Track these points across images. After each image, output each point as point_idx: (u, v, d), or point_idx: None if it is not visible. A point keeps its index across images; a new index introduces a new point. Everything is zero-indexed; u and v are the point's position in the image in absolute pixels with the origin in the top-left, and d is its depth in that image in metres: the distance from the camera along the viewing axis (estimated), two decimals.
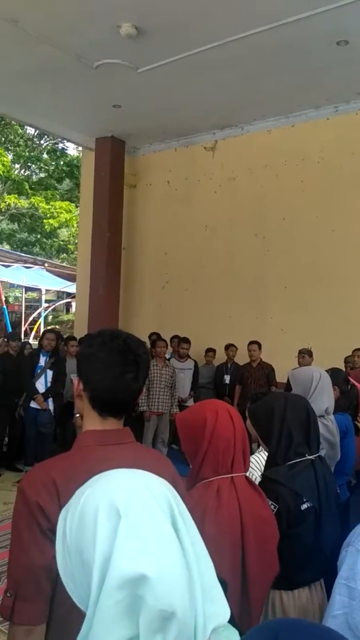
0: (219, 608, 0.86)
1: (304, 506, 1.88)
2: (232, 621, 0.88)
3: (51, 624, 1.18)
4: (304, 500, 1.88)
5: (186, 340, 7.47)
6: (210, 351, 7.93)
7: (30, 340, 12.79)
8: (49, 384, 6.28)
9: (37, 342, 7.90)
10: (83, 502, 0.83)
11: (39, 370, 6.28)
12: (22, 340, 7.63)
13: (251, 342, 7.02)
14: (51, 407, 6.26)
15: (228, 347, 7.60)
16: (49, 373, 6.31)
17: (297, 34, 5.29)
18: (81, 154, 11.76)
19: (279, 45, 5.54)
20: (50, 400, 6.24)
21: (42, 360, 6.35)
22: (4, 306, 15.21)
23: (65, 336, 8.06)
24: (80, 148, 12.20)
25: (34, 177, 22.75)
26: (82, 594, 0.80)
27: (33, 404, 6.18)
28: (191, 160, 8.57)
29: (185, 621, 0.75)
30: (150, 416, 6.53)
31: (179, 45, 5.69)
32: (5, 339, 6.97)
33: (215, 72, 6.19)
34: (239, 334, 7.48)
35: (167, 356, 7.16)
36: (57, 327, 18.54)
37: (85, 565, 0.79)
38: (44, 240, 24.10)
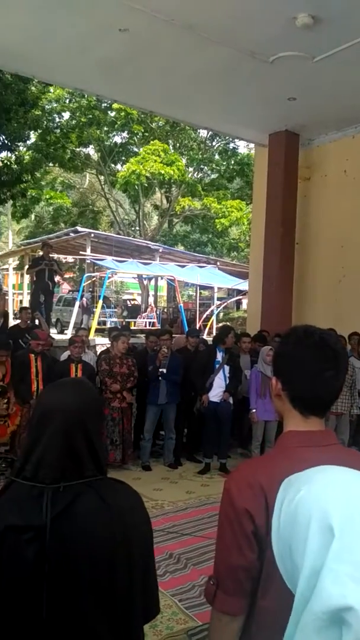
0: None
1: None
2: None
3: (253, 617, 1.19)
4: None
5: None
6: None
7: (204, 337, 13.23)
8: (227, 380, 6.43)
9: (211, 339, 8.13)
10: (298, 501, 0.82)
11: (217, 366, 6.46)
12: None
13: None
14: (230, 400, 6.40)
15: None
16: (226, 368, 6.45)
17: None
18: (253, 151, 11.79)
19: None
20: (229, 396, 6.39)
21: (219, 356, 6.52)
22: (180, 304, 15.95)
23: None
24: (252, 145, 12.25)
25: (206, 178, 23.46)
26: (288, 577, 0.81)
27: (212, 398, 6.39)
28: None
29: None
30: (328, 416, 6.31)
31: (356, 29, 5.41)
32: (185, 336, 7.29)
33: None
34: None
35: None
36: (227, 323, 18.92)
37: (294, 563, 0.79)
38: (216, 239, 24.74)
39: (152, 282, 21.09)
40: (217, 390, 6.45)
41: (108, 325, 15.02)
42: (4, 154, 11.94)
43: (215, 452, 6.56)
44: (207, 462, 6.51)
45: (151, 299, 21.00)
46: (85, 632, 1.22)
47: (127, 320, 17.47)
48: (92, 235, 16.63)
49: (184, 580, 3.75)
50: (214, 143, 23.03)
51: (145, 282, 21.44)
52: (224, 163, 22.62)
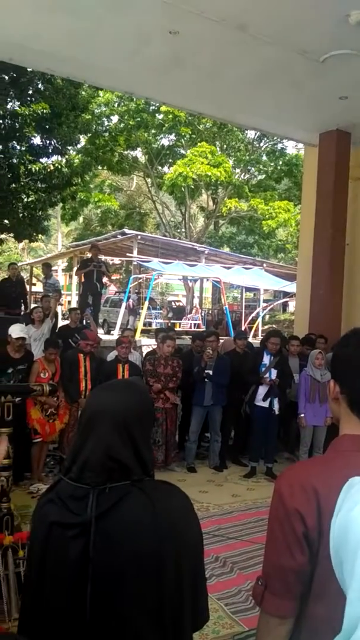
0: None
1: None
2: None
3: (302, 623, 1.16)
4: None
5: None
6: None
7: (250, 339, 13.13)
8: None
9: (258, 342, 8.05)
10: (351, 515, 0.79)
11: (263, 369, 6.39)
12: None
13: None
14: (276, 406, 6.31)
15: None
16: (273, 372, 6.36)
17: None
18: (302, 152, 11.62)
19: None
20: (275, 400, 6.30)
21: (266, 359, 6.44)
22: (226, 306, 15.90)
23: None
24: (300, 145, 12.08)
25: (253, 179, 23.30)
26: (340, 579, 0.80)
27: (259, 403, 6.32)
28: None
29: None
30: None
31: None
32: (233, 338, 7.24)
33: None
34: None
35: None
36: (273, 326, 18.71)
37: (345, 572, 0.76)
38: (262, 241, 24.53)
39: (197, 283, 21.10)
40: (263, 394, 6.37)
41: (153, 327, 15.14)
42: (55, 157, 12.22)
43: (261, 456, 6.49)
44: (253, 466, 6.45)
45: (196, 301, 21.02)
46: (130, 637, 1.19)
47: (172, 321, 17.55)
48: (139, 237, 16.81)
49: (230, 584, 3.72)
50: (261, 144, 22.84)
51: (190, 284, 21.48)
52: (272, 164, 22.41)
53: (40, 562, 1.23)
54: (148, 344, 9.90)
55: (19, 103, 11.35)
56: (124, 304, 14.82)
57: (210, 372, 6.36)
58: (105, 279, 10.89)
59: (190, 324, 17.28)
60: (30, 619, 1.24)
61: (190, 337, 9.96)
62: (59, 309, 10.39)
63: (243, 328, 16.31)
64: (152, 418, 1.44)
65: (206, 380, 6.38)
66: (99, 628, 1.18)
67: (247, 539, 4.47)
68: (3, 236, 14.33)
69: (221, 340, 7.25)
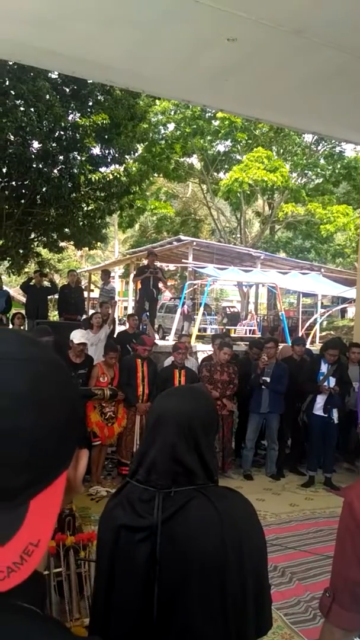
0: None
1: None
2: None
3: None
4: None
5: None
6: None
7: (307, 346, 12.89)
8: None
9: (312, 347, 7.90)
10: None
11: (320, 378, 6.26)
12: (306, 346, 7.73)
13: None
14: (335, 415, 6.17)
15: None
16: (332, 380, 6.22)
17: None
18: None
19: None
20: (334, 410, 6.15)
21: (324, 367, 6.31)
22: (282, 312, 15.69)
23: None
24: (359, 148, 11.79)
25: (310, 183, 22.94)
26: None
27: (317, 412, 6.20)
28: None
29: None
30: None
31: None
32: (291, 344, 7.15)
33: None
34: None
35: None
36: (332, 332, 18.28)
37: None
38: (320, 245, 24.06)
39: (253, 289, 20.93)
40: (321, 403, 6.24)
41: (208, 332, 15.13)
42: (113, 167, 12.50)
43: (319, 466, 6.35)
44: (311, 475, 6.32)
45: (251, 306, 20.85)
46: (194, 638, 1.21)
47: (227, 327, 17.48)
48: (194, 243, 16.88)
49: (289, 594, 3.66)
50: (319, 147, 22.46)
51: (245, 290, 21.34)
52: (330, 167, 21.97)
53: (109, 564, 1.26)
54: (203, 349, 9.92)
55: (79, 114, 11.70)
56: (179, 310, 14.91)
57: (268, 379, 6.30)
58: (161, 285, 11.01)
59: (246, 329, 17.14)
60: (101, 621, 1.28)
61: (246, 343, 9.90)
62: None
63: (300, 334, 16.03)
64: (216, 424, 1.45)
65: (263, 387, 6.32)
66: (165, 630, 1.20)
67: (306, 549, 4.39)
68: (63, 244, 14.76)
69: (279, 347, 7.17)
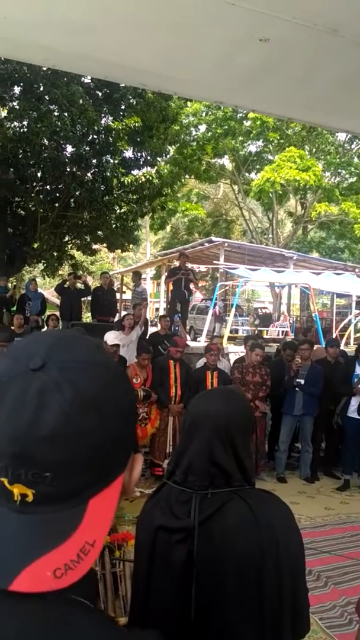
0: None
1: None
2: None
3: None
4: None
5: None
6: None
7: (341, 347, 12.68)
8: None
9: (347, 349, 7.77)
10: None
11: (355, 380, 6.16)
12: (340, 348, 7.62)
13: None
14: None
15: None
16: None
17: None
18: None
19: None
20: None
21: (359, 369, 6.21)
22: (315, 313, 15.49)
23: None
24: None
25: (344, 182, 22.61)
26: None
27: (352, 414, 6.10)
28: None
29: None
30: None
31: None
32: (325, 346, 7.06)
33: None
34: None
35: None
36: None
37: None
38: (354, 245, 23.68)
39: (285, 290, 20.74)
40: (355, 406, 6.15)
41: (240, 334, 15.06)
42: (145, 169, 12.58)
43: (355, 469, 6.25)
44: (346, 479, 6.23)
45: (283, 307, 20.66)
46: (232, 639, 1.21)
47: (259, 328, 17.37)
48: (226, 244, 16.82)
49: (324, 598, 3.62)
50: (352, 146, 22.12)
51: (277, 290, 21.16)
52: None
53: (147, 565, 1.28)
54: (235, 351, 9.88)
55: (112, 118, 11.82)
56: (210, 311, 14.89)
57: (302, 382, 6.24)
58: (192, 287, 11.03)
59: (278, 331, 17.00)
60: (140, 621, 1.29)
61: (278, 344, 9.81)
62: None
63: (334, 336, 15.80)
64: (252, 427, 1.45)
65: (297, 389, 6.26)
66: (203, 630, 1.21)
67: (341, 553, 4.33)
68: (97, 246, 14.93)
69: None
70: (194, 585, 1.21)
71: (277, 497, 1.35)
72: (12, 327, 8.37)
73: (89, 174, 11.67)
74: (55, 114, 10.67)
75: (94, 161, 11.70)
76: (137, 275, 12.96)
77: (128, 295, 17.94)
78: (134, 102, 12.00)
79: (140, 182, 11.97)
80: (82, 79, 11.07)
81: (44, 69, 10.26)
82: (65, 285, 10.74)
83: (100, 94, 11.85)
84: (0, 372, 0.59)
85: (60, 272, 16.23)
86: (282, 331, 16.83)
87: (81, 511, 0.56)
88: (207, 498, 1.24)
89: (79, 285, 11.08)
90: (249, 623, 1.20)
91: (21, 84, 11.24)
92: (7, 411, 0.55)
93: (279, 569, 1.22)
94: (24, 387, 0.56)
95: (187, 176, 21.81)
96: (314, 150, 21.74)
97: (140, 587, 1.30)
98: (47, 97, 10.66)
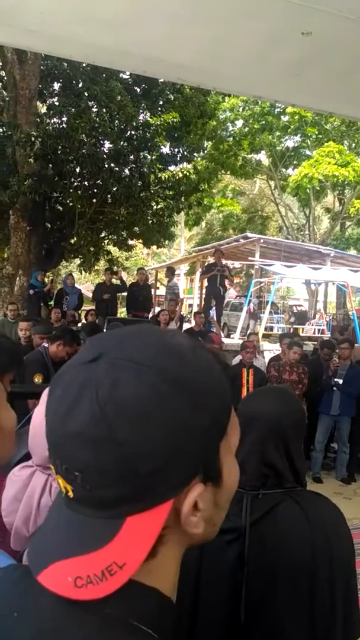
0: None
1: None
2: None
3: None
4: None
5: None
6: None
7: None
8: None
9: None
10: None
11: None
12: None
13: None
14: None
15: None
16: None
17: None
18: None
19: None
20: None
21: None
22: (353, 311, 15.21)
23: None
24: None
25: None
26: None
27: None
28: None
29: None
30: None
31: None
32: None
33: None
34: None
35: None
36: None
37: None
38: None
39: (321, 287, 20.43)
40: None
41: (275, 331, 14.93)
42: (182, 165, 12.57)
43: None
44: None
45: (319, 305, 20.37)
46: None
47: (294, 326, 17.18)
48: (262, 240, 16.68)
49: None
50: None
51: (313, 288, 20.87)
52: None
53: (196, 564, 1.27)
54: (270, 348, 9.80)
55: (150, 114, 11.85)
56: (245, 308, 14.81)
57: (340, 381, 6.14)
58: (227, 283, 10.99)
59: (314, 329, 16.78)
60: (187, 620, 1.29)
61: (314, 343, 9.68)
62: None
63: None
64: (304, 427, 1.43)
65: (334, 388, 6.16)
66: (253, 633, 1.20)
67: None
68: (132, 242, 15.02)
69: None
70: (244, 586, 1.20)
71: (328, 499, 1.33)
72: (50, 321, 8.49)
73: (126, 170, 11.73)
74: (94, 110, 10.77)
75: (132, 157, 11.74)
76: (170, 271, 12.98)
77: (162, 291, 18.01)
78: (172, 98, 12.00)
79: (177, 177, 11.96)
80: (121, 74, 11.13)
81: (83, 65, 10.36)
82: (101, 281, 10.84)
83: (138, 89, 11.90)
84: (69, 361, 0.57)
85: (96, 268, 16.39)
86: (318, 329, 16.61)
87: (117, 525, 0.52)
88: (258, 499, 1.23)
89: (115, 280, 11.18)
90: (299, 625, 1.19)
91: (61, 80, 11.39)
92: (54, 400, 0.54)
93: (331, 570, 1.21)
94: (72, 378, 0.54)
95: (222, 172, 21.68)
96: (354, 145, 21.31)
97: (189, 587, 1.29)
98: (86, 94, 10.76)
